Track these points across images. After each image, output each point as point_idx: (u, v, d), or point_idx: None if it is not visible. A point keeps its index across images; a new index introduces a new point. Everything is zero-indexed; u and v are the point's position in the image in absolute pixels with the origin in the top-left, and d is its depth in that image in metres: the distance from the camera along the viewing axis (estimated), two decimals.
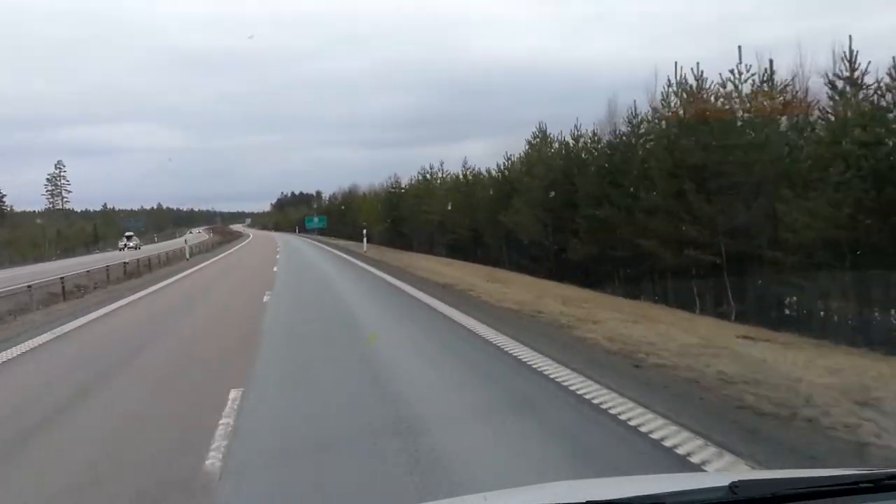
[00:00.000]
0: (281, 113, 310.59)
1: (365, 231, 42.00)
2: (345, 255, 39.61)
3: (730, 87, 22.46)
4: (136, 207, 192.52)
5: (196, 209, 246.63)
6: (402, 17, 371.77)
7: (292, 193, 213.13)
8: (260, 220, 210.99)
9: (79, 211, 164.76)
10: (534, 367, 8.18)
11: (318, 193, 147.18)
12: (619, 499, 1.55)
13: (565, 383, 7.25)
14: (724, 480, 1.59)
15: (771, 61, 22.63)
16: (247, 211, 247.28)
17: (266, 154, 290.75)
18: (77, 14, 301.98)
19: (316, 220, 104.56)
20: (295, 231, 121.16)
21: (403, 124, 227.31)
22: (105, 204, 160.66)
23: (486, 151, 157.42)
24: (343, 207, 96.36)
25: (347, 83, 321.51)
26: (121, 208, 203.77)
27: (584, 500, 1.52)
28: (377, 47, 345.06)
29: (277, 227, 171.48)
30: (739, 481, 1.55)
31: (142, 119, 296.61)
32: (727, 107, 22.38)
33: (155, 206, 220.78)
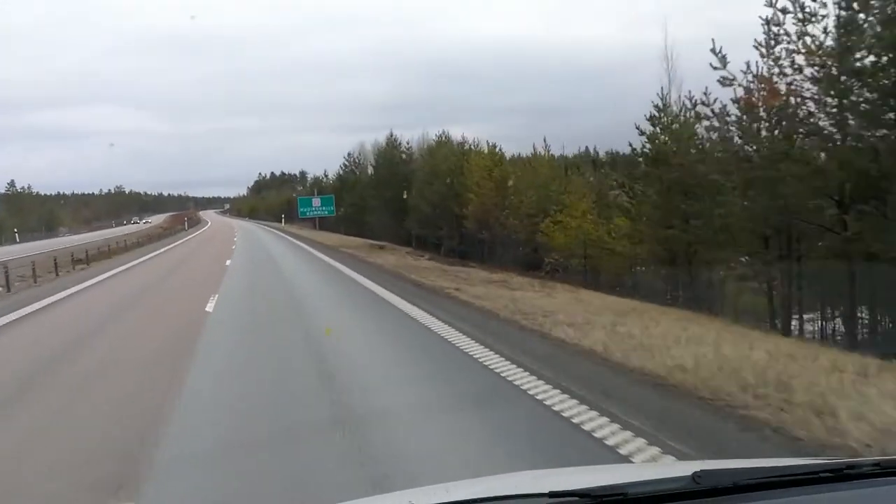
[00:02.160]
0: (259, 97, 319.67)
1: None
2: None
3: None
4: (95, 191, 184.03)
5: (166, 194, 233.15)
6: None
7: (272, 174, 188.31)
8: (237, 205, 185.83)
9: None
10: None
11: (303, 173, 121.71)
12: (581, 489, 1.45)
13: None
14: (687, 470, 1.50)
15: None
16: (223, 196, 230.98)
17: (243, 138, 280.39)
18: None
19: (317, 202, 57.83)
20: (280, 221, 73.66)
21: (384, 108, 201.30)
22: (12, 181, 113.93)
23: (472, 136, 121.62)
24: (376, 179, 48.90)
25: (327, 66, 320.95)
26: (80, 192, 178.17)
27: (546, 491, 1.44)
28: (357, 30, 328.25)
29: (253, 215, 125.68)
30: (702, 471, 1.48)
31: (114, 102, 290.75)
32: None
33: (112, 190, 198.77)
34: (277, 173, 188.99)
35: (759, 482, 1.50)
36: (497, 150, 30.24)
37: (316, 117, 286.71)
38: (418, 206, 36.03)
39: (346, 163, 61.76)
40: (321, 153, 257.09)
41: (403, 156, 47.27)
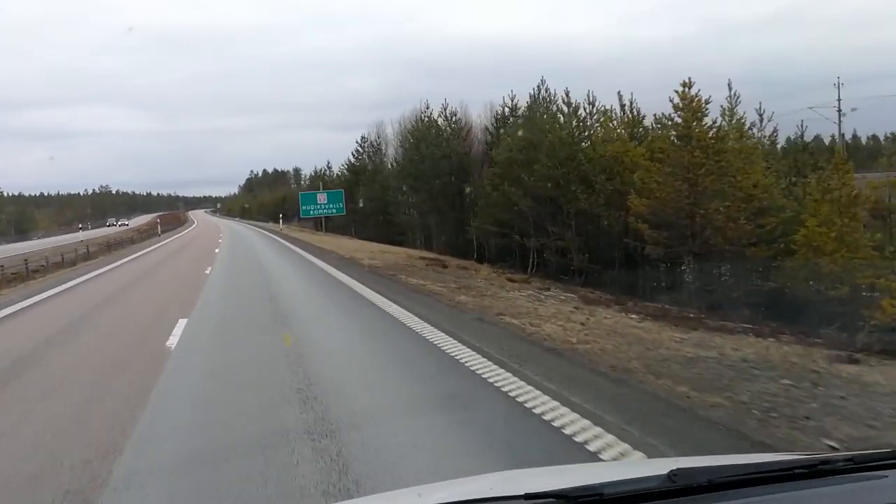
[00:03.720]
0: (250, 95, 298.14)
1: None
2: None
3: None
4: (82, 191, 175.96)
5: (156, 193, 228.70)
6: None
7: (264, 172, 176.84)
8: (229, 205, 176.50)
9: None
10: None
11: (297, 170, 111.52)
12: (557, 490, 1.41)
13: None
14: (662, 468, 1.47)
15: None
16: (214, 195, 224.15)
17: (234, 137, 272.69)
18: None
19: (323, 198, 45.58)
20: (277, 221, 60.10)
21: (379, 105, 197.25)
22: None
23: None
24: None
25: (319, 63, 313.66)
26: (67, 192, 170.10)
27: (521, 493, 1.40)
28: (352, 28, 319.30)
29: (245, 214, 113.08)
30: (678, 469, 1.45)
31: (103, 101, 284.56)
32: None
33: (97, 189, 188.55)
34: (270, 170, 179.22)
35: (735, 480, 1.47)
36: (692, 89, 16.47)
37: (309, 115, 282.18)
38: (508, 198, 22.49)
39: (360, 148, 48.30)
40: (314, 151, 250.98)
41: (450, 130, 33.60)
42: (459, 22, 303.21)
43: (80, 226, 58.87)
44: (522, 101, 27.78)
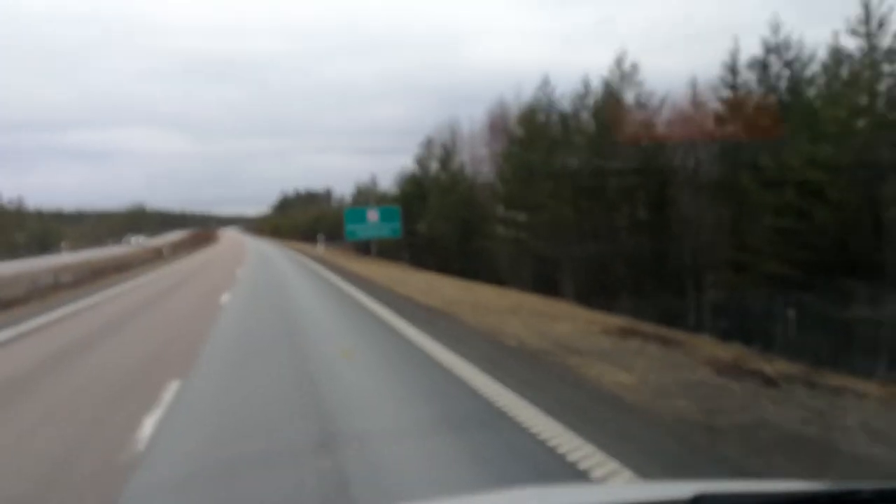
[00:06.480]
0: (282, 119, 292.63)
1: None
2: None
3: None
4: (119, 208, 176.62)
5: (188, 212, 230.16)
6: (404, 26, 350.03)
7: (296, 192, 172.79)
8: (260, 224, 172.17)
9: None
10: None
11: (329, 190, 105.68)
12: None
13: None
14: (687, 491, 1.38)
15: None
16: (246, 214, 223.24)
17: (266, 159, 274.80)
18: (79, 16, 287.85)
19: (374, 215, 32.90)
20: (313, 242, 47.21)
21: (405, 131, 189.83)
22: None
23: None
24: None
25: (349, 91, 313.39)
26: (104, 209, 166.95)
27: None
28: (379, 56, 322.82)
29: (276, 233, 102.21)
30: (703, 494, 1.37)
31: (142, 123, 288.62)
32: None
33: (129, 205, 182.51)
34: (302, 191, 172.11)
35: None
36: None
37: (339, 139, 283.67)
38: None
39: (425, 153, 35.60)
40: (343, 175, 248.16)
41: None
42: (486, 52, 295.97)
43: (62, 243, 46.49)
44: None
